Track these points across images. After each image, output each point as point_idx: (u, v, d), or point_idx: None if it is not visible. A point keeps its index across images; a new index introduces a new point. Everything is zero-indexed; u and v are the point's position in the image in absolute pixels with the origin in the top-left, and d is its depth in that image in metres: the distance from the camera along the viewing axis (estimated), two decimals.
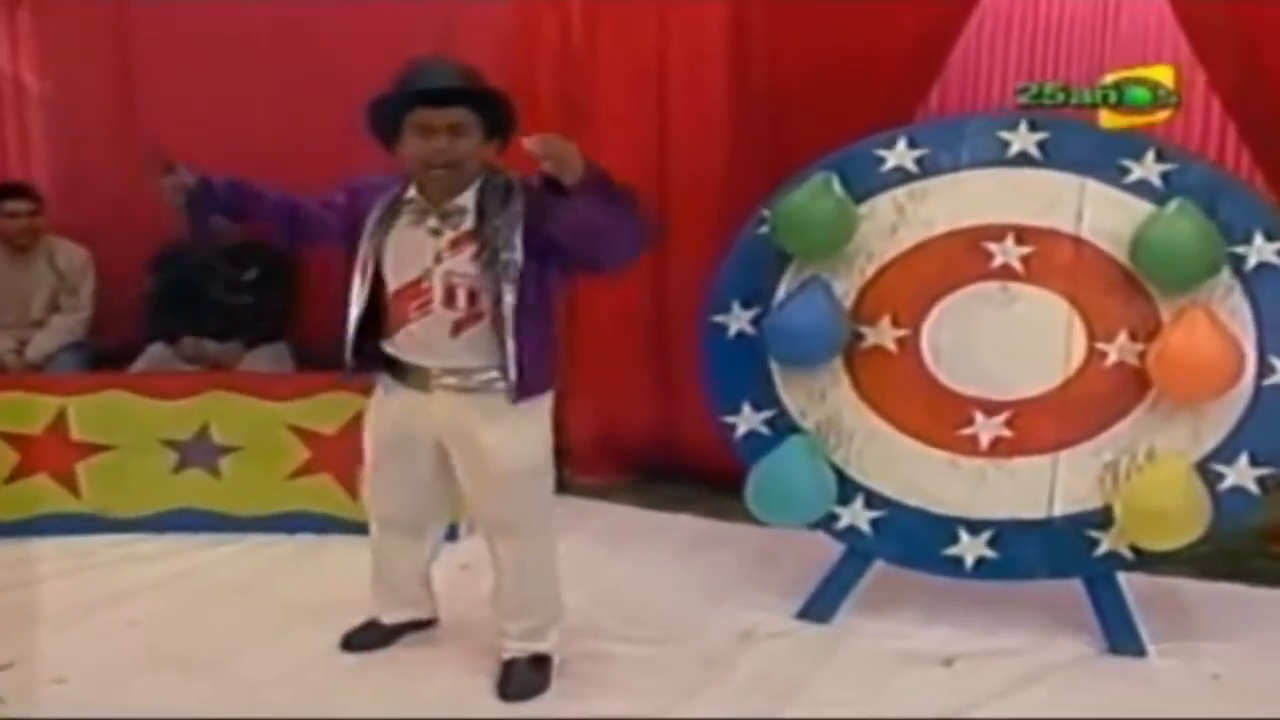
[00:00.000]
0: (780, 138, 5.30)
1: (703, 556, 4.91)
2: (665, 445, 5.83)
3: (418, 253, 3.58)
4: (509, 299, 3.48)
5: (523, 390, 3.53)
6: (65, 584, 4.51)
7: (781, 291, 4.38)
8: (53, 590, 4.46)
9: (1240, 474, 3.99)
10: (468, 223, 3.56)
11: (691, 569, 4.78)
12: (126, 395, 4.97)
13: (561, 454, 5.75)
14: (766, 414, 4.39)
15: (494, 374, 3.56)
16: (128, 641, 4.08)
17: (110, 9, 6.41)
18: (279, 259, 5.71)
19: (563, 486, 5.51)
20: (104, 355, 5.93)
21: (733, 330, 4.44)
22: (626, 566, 4.78)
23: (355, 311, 3.66)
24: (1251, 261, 4.02)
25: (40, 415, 4.95)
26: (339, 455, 4.81)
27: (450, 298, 3.54)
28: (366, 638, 4.11)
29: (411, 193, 3.62)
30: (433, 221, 3.56)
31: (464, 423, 3.62)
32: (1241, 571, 4.75)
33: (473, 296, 3.54)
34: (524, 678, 3.78)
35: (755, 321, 4.41)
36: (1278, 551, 4.96)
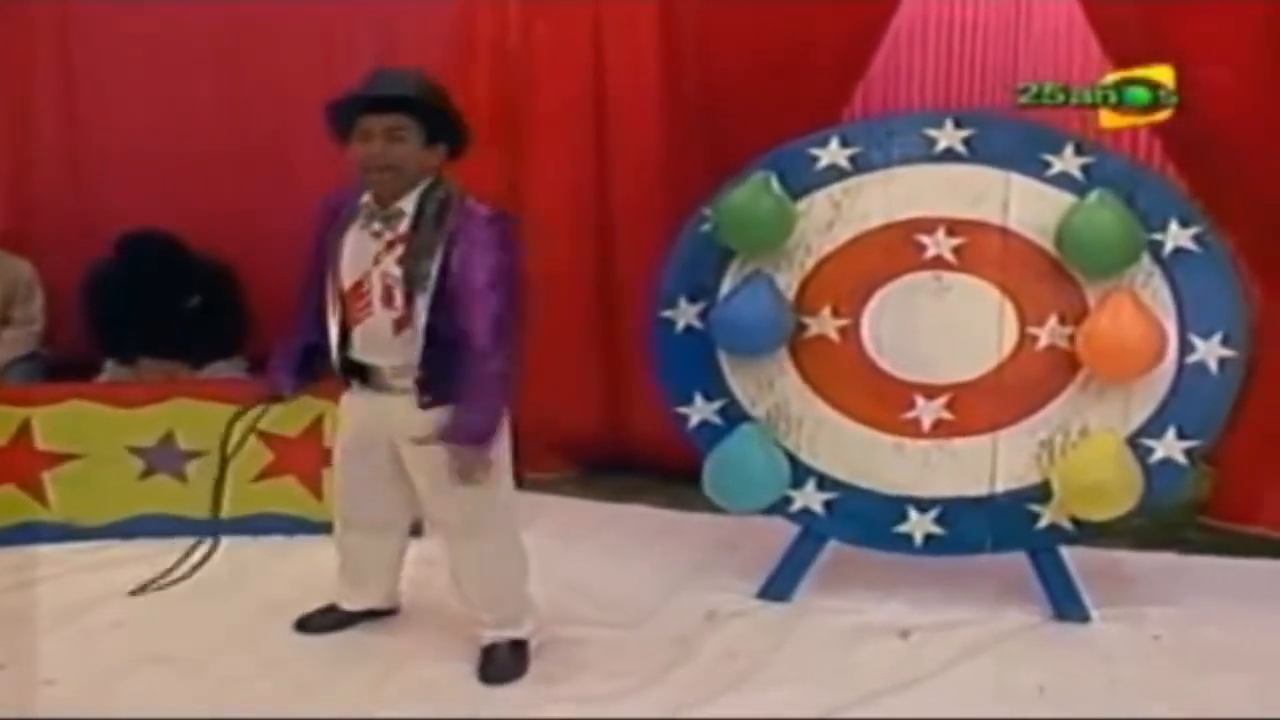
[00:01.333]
0: (715, 137, 5.47)
1: (660, 544, 5.07)
2: (611, 439, 5.98)
3: (362, 253, 3.72)
4: (419, 305, 3.62)
5: (432, 395, 3.67)
6: (43, 590, 4.57)
7: (726, 286, 4.56)
8: (30, 597, 4.50)
9: (1169, 447, 4.24)
10: (404, 225, 3.68)
11: (650, 556, 4.94)
12: (90, 405, 5.01)
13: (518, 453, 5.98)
14: (718, 404, 4.57)
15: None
16: (113, 642, 4.16)
17: (52, 19, 6.41)
18: (221, 278, 5.82)
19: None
20: (59, 366, 5.99)
21: (681, 324, 4.61)
22: (586, 557, 4.91)
23: (334, 317, 3.77)
24: (1169, 247, 4.26)
25: (4, 426, 4.98)
26: (303, 458, 4.95)
27: (388, 297, 3.67)
28: (322, 621, 4.26)
29: (366, 197, 3.74)
30: (376, 224, 3.70)
31: (416, 424, 3.72)
32: (1176, 542, 5.06)
33: (408, 296, 3.65)
34: (503, 662, 3.91)
35: (702, 315, 4.58)
36: (1207, 523, 5.24)
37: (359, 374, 3.81)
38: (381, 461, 3.90)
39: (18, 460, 5.00)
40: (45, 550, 4.89)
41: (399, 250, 3.66)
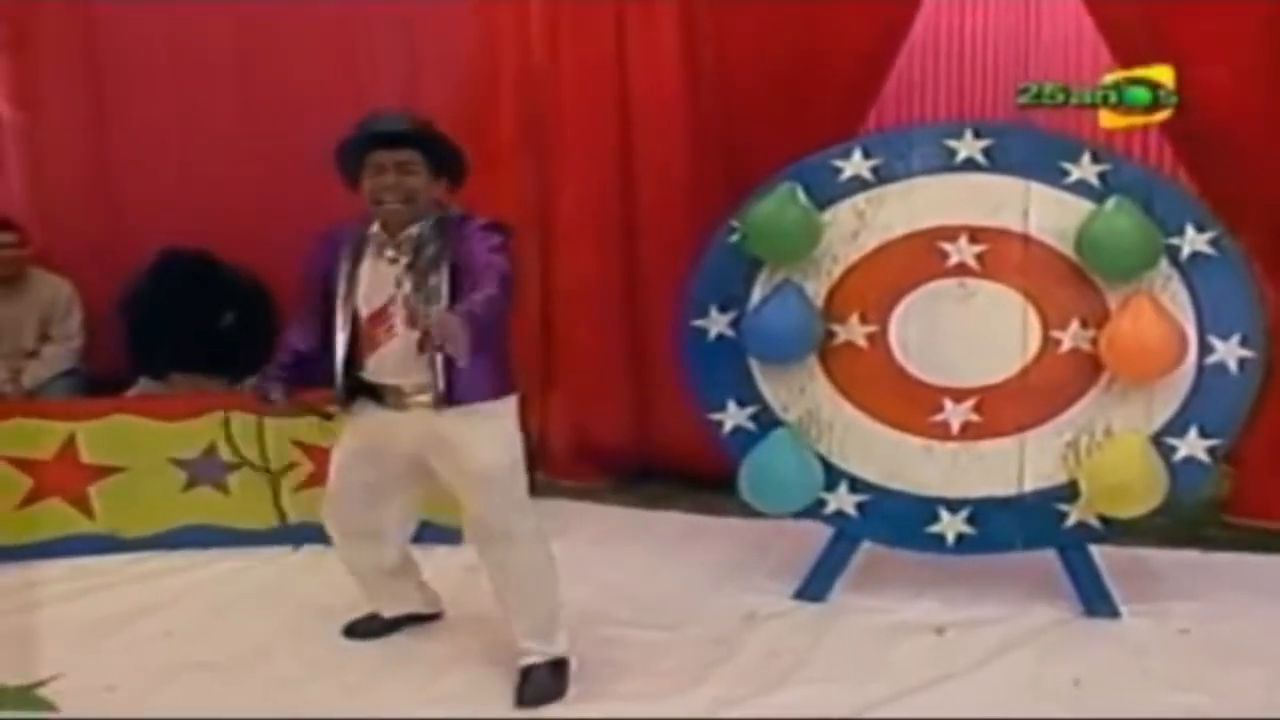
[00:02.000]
0: (733, 146, 5.62)
1: (695, 549, 5.19)
2: (642, 447, 6.09)
3: (383, 281, 3.83)
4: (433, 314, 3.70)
5: (452, 398, 3.76)
6: (92, 600, 4.70)
7: (756, 295, 4.67)
8: (80, 608, 4.62)
9: (1191, 446, 4.36)
10: (411, 253, 3.80)
11: (686, 561, 5.06)
12: (133, 419, 5.14)
13: (535, 458, 6.05)
14: (750, 410, 4.69)
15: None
16: (164, 650, 4.29)
17: (81, 43, 6.52)
18: (255, 295, 5.91)
19: (542, 490, 5.80)
20: (97, 382, 6.09)
21: (713, 333, 4.73)
22: (623, 562, 5.02)
23: (341, 341, 3.87)
24: (1186, 251, 4.37)
25: (50, 441, 5.10)
26: None
27: (413, 318, 3.70)
28: (367, 627, 4.38)
29: (374, 228, 3.89)
30: (390, 251, 3.83)
31: (437, 429, 3.83)
32: (1198, 539, 5.17)
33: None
34: (542, 683, 3.94)
35: (733, 324, 4.70)
36: (1227, 520, 5.35)
37: (371, 394, 3.90)
38: (387, 473, 4.02)
39: (64, 474, 5.12)
40: (91, 562, 5.00)
41: (413, 276, 3.76)
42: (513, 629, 3.98)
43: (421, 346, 3.67)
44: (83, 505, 5.11)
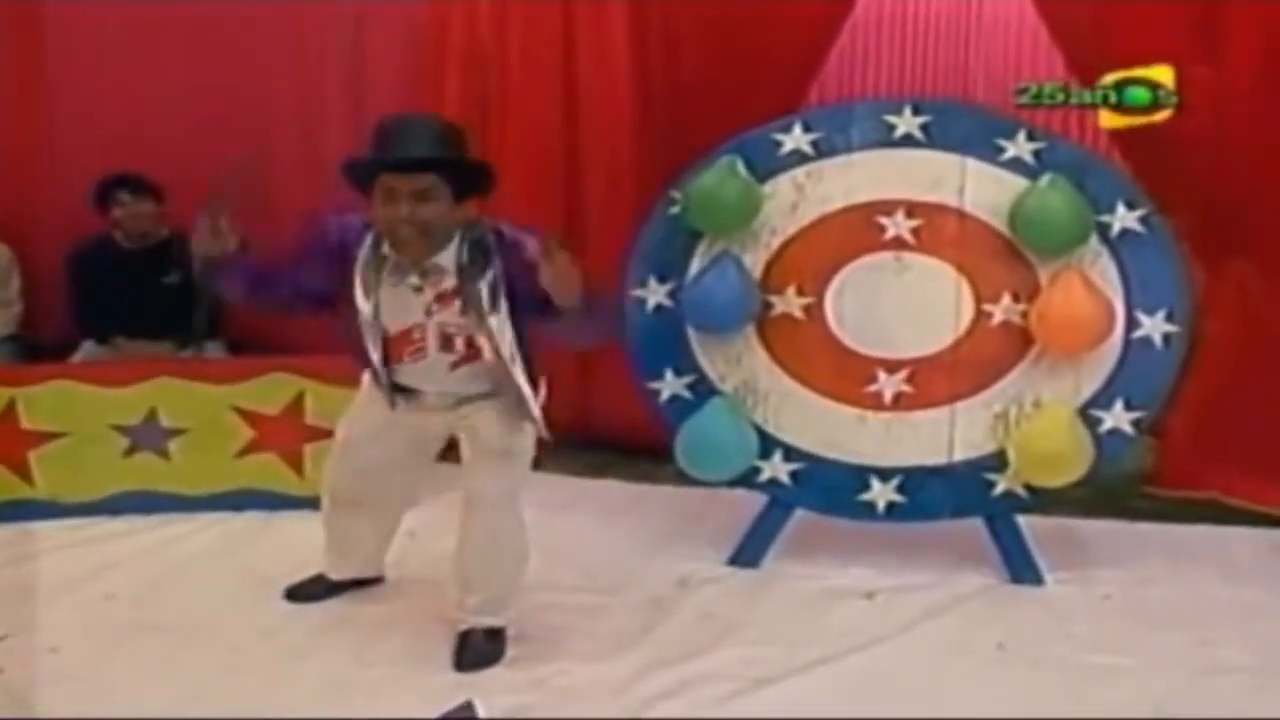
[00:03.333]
0: (681, 133, 5.53)
1: (631, 516, 5.25)
2: (581, 417, 6.04)
3: (406, 307, 3.76)
4: (505, 351, 3.69)
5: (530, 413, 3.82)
6: (33, 565, 4.65)
7: (694, 266, 4.72)
8: (21, 572, 4.59)
9: (1117, 418, 4.47)
10: (449, 280, 3.71)
11: (623, 528, 5.11)
12: (74, 384, 5.10)
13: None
14: (688, 379, 4.74)
15: (491, 393, 3.83)
16: (109, 613, 4.27)
17: (24, 6, 6.40)
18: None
19: None
20: (40, 349, 6.08)
21: (651, 303, 4.77)
22: (562, 529, 4.99)
23: (377, 359, 3.79)
24: (1116, 228, 4.48)
25: None
26: (283, 434, 5.08)
27: (447, 344, 3.78)
28: (311, 590, 4.37)
29: (386, 249, 3.72)
30: (414, 279, 3.72)
31: (462, 413, 3.88)
32: (1123, 510, 5.29)
33: (470, 341, 3.75)
34: (479, 648, 3.95)
35: (672, 295, 4.74)
36: (1151, 491, 5.44)
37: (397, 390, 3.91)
38: (393, 451, 4.04)
39: (3, 439, 5.08)
40: (32, 527, 4.97)
41: (454, 303, 3.70)
42: (461, 597, 3.97)
43: (456, 366, 3.75)
44: (23, 471, 5.07)
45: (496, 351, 3.66)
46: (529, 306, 3.64)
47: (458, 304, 3.69)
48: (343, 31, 6.02)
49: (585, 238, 5.81)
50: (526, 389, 3.74)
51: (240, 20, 6.07)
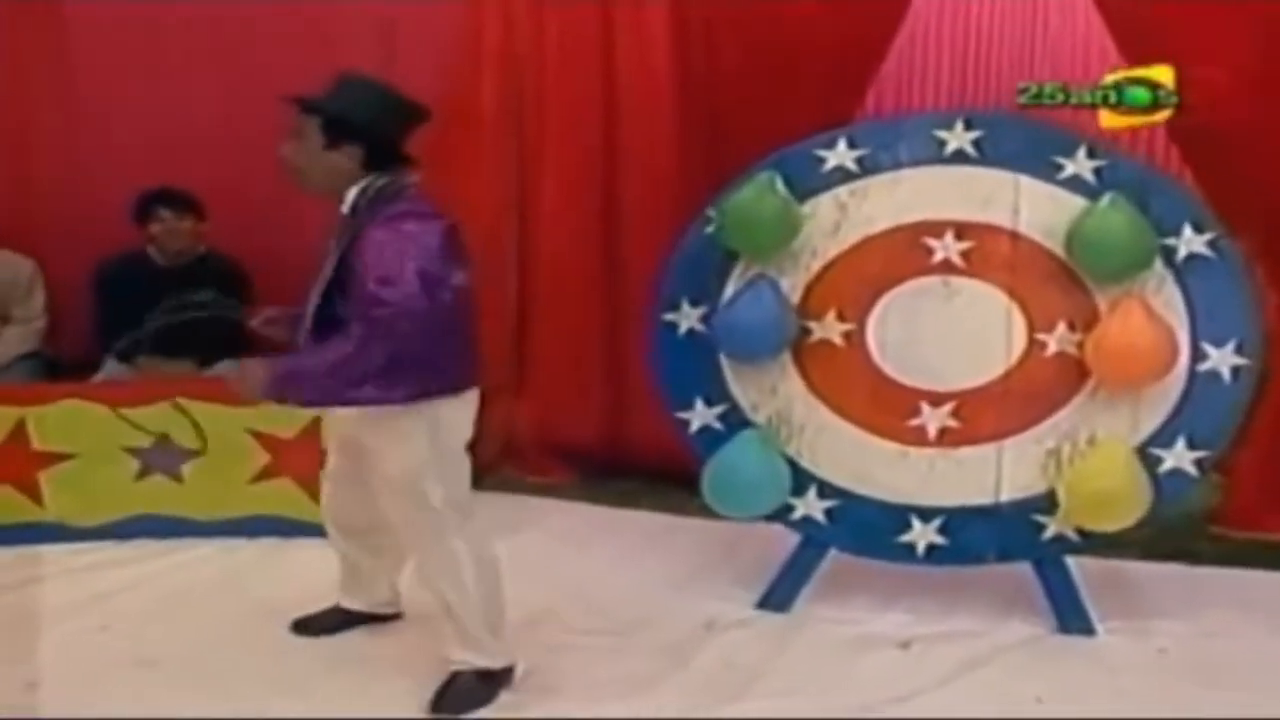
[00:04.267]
0: (723, 138, 5.42)
1: (660, 550, 5.04)
2: (613, 444, 5.94)
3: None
4: (309, 308, 3.59)
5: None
6: (32, 592, 4.54)
7: (729, 289, 4.50)
8: (20, 598, 4.48)
9: (1178, 457, 4.17)
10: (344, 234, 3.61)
11: (650, 562, 4.91)
12: (85, 404, 4.98)
13: (507, 454, 5.89)
14: (719, 409, 4.52)
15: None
16: (97, 645, 4.13)
17: (52, 14, 6.35)
18: (232, 274, 5.67)
19: (508, 486, 5.70)
20: (61, 365, 5.98)
21: (683, 328, 4.56)
22: (585, 561, 4.88)
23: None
24: (1182, 252, 4.18)
25: None
26: (298, 459, 4.88)
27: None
28: (323, 622, 4.22)
29: None
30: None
31: (354, 429, 3.68)
32: (1184, 553, 4.97)
33: None
34: (460, 690, 3.75)
35: (705, 319, 4.52)
36: (1217, 533, 5.15)
37: None
38: (353, 464, 3.83)
39: (13, 460, 4.97)
40: (38, 550, 4.87)
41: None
42: (441, 633, 3.80)
43: None
44: (32, 492, 4.96)
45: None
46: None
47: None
48: (376, 34, 5.81)
49: (620, 253, 5.70)
50: (288, 366, 3.48)
51: (272, 26, 5.95)
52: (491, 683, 3.77)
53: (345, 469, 3.89)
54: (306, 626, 4.23)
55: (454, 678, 3.77)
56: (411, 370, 3.46)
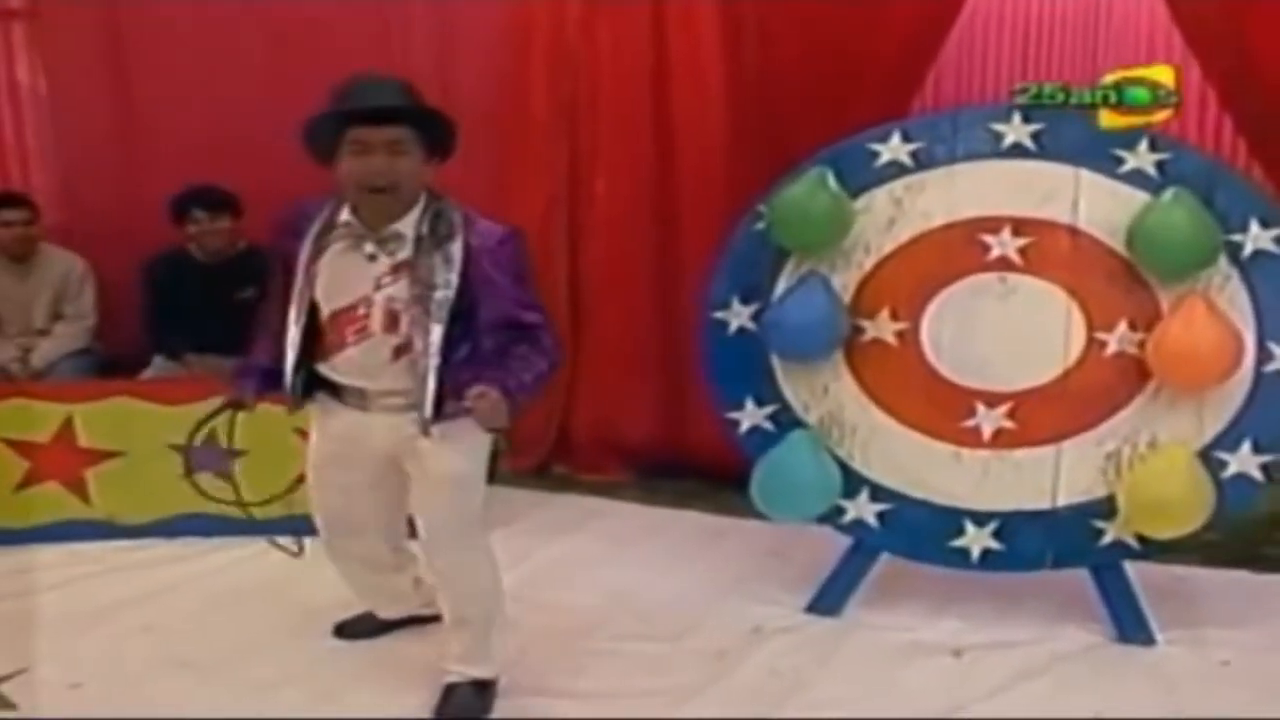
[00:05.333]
0: (778, 134, 5.35)
1: (710, 552, 4.99)
2: (668, 443, 5.92)
3: (355, 278, 3.50)
4: (434, 337, 3.41)
5: (438, 419, 3.47)
6: (77, 590, 4.59)
7: (780, 287, 4.44)
8: (65, 596, 4.51)
9: (1243, 461, 4.06)
10: (406, 250, 3.46)
11: (699, 565, 4.87)
12: (133, 401, 5.02)
13: (562, 452, 5.85)
14: (769, 409, 4.45)
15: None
16: (141, 646, 4.15)
17: (105, 15, 6.40)
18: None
19: (561, 484, 5.69)
20: (110, 363, 5.98)
21: (733, 326, 4.50)
22: (635, 563, 4.85)
23: (294, 335, 3.57)
24: (1248, 249, 4.08)
25: (47, 423, 5.00)
26: None
27: (393, 323, 3.48)
28: (358, 627, 4.21)
29: (345, 215, 3.52)
30: (369, 247, 3.47)
31: (406, 433, 3.55)
32: (1250, 559, 4.86)
33: (413, 321, 3.47)
34: (462, 703, 3.73)
35: (755, 317, 4.46)
36: None
37: (329, 389, 3.65)
38: (363, 470, 3.73)
39: (60, 457, 5.02)
40: (86, 548, 4.90)
41: (407, 277, 3.44)
42: (446, 645, 3.76)
43: (399, 353, 3.45)
44: (79, 490, 5.02)
45: (426, 333, 3.39)
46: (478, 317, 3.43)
47: (409, 278, 3.42)
48: (427, 34, 5.86)
49: (673, 250, 5.68)
50: (431, 388, 3.39)
51: (321, 24, 5.95)
52: (487, 693, 3.75)
53: (348, 477, 3.76)
54: (343, 630, 4.22)
55: (451, 690, 3.73)
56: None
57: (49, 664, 3.92)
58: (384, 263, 3.45)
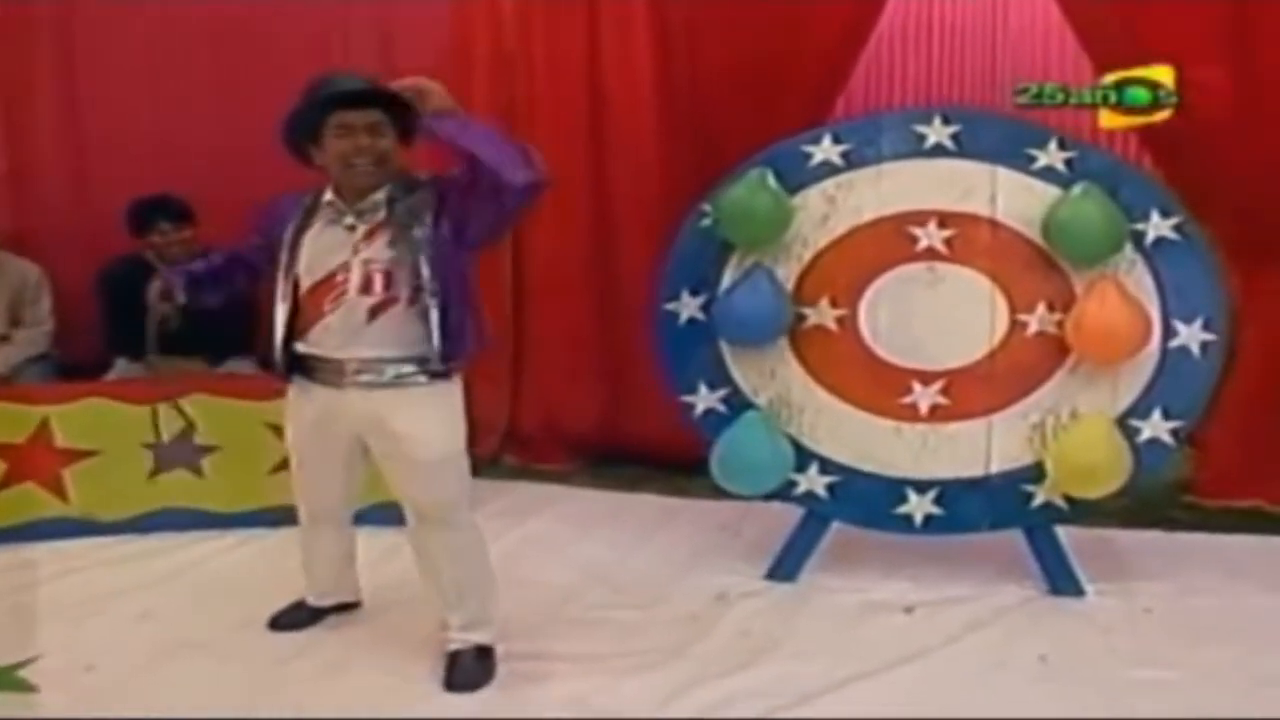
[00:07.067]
0: (709, 133, 5.62)
1: (667, 530, 5.25)
2: (614, 432, 6.14)
3: (335, 248, 3.76)
4: (425, 271, 3.67)
5: (446, 358, 3.72)
6: (69, 583, 4.68)
7: (727, 279, 4.72)
8: (58, 589, 4.61)
9: (1155, 427, 4.43)
10: (380, 214, 3.74)
11: (659, 541, 5.13)
12: (106, 402, 5.13)
13: (512, 444, 6.07)
14: (722, 392, 4.73)
15: (407, 367, 3.75)
16: (144, 631, 4.28)
17: (52, 13, 6.47)
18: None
19: (513, 474, 5.90)
20: (70, 367, 6.06)
21: (684, 317, 4.77)
22: (599, 542, 5.08)
23: (281, 313, 3.82)
24: (1150, 236, 4.44)
25: (23, 425, 5.09)
26: None
27: (367, 283, 3.70)
28: (293, 618, 4.33)
29: (328, 195, 3.81)
30: (349, 219, 3.75)
31: (378, 413, 3.79)
32: (1162, 520, 5.26)
33: (388, 279, 3.71)
34: (469, 669, 3.91)
35: (704, 308, 4.73)
36: (1191, 502, 5.43)
37: (306, 370, 3.86)
38: (338, 453, 3.97)
39: (37, 458, 5.12)
40: (66, 545, 4.99)
41: (382, 236, 3.71)
42: (444, 614, 3.94)
43: (374, 313, 3.67)
44: (57, 489, 5.11)
45: (416, 276, 3.66)
46: (461, 183, 3.66)
47: (385, 236, 3.71)
48: (371, 37, 6.04)
49: (612, 245, 5.93)
50: (436, 323, 3.67)
51: (264, 29, 6.13)
52: (489, 658, 3.94)
53: (326, 458, 3.99)
54: (277, 623, 4.31)
55: (457, 657, 3.91)
56: (468, 332, 3.78)
57: (58, 651, 3.97)
58: (361, 230, 3.73)
